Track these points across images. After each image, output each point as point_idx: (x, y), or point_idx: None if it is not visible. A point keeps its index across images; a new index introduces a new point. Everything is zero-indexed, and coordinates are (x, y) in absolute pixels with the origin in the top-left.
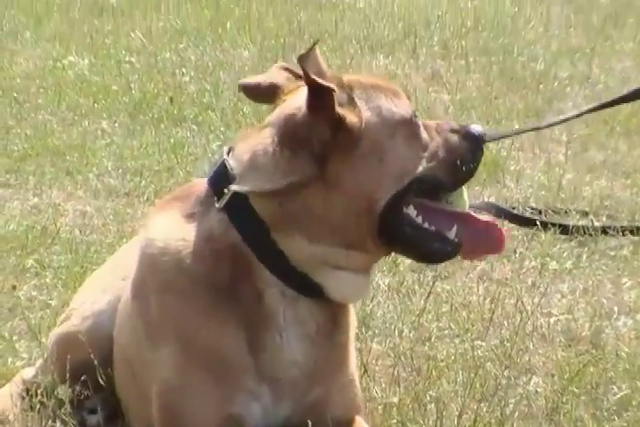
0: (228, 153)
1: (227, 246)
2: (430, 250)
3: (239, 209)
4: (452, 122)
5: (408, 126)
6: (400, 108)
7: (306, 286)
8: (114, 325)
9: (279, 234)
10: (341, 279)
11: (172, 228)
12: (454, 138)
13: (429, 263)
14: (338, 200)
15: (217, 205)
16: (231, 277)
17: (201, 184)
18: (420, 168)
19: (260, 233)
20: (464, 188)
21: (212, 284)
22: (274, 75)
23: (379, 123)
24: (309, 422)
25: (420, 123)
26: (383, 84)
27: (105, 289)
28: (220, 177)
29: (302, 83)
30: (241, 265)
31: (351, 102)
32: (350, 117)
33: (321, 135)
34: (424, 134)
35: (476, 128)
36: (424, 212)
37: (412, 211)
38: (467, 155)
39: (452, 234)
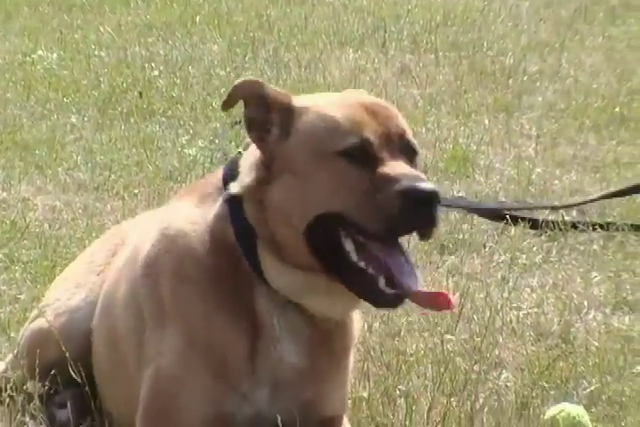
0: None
1: (224, 243)
2: (362, 292)
3: (237, 209)
4: (412, 174)
5: (327, 161)
6: (328, 143)
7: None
8: (90, 320)
9: (260, 244)
10: (312, 299)
11: (189, 211)
12: (392, 189)
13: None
14: (271, 216)
15: (222, 198)
16: (231, 276)
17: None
18: (328, 205)
19: (250, 239)
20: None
21: (219, 277)
22: None
23: (299, 153)
24: (298, 420)
25: (350, 163)
26: (336, 112)
27: (79, 285)
28: (231, 170)
29: None
30: (237, 265)
31: (284, 128)
32: (264, 136)
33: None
34: (356, 174)
35: (420, 188)
36: (362, 249)
37: (349, 246)
38: (395, 211)
39: (381, 283)
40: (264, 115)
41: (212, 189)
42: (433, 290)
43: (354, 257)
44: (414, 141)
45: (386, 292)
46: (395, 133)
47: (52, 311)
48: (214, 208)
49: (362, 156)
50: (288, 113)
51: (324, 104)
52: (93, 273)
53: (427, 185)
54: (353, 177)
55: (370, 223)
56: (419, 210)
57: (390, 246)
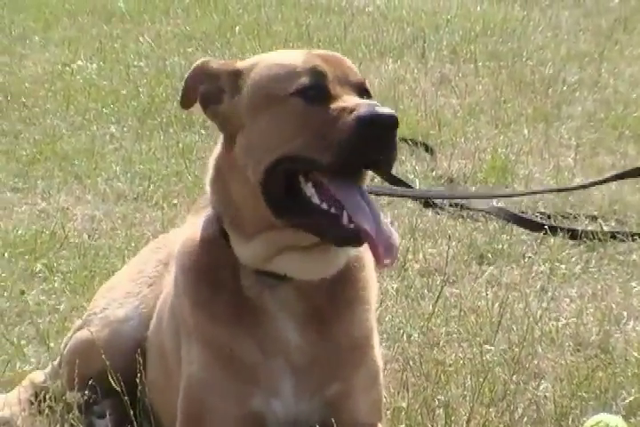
0: None
1: (212, 243)
2: (324, 231)
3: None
4: (369, 102)
5: (281, 105)
6: (280, 86)
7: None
8: (139, 331)
9: (226, 226)
10: (280, 262)
11: (188, 229)
12: (349, 118)
13: (335, 246)
14: (232, 179)
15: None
16: (220, 271)
17: None
18: (285, 147)
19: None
20: None
21: (211, 280)
22: None
23: (253, 104)
24: (333, 421)
25: (305, 101)
26: (286, 60)
27: (129, 295)
28: None
29: None
30: (224, 259)
31: (235, 89)
32: (218, 107)
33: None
34: (311, 111)
35: (377, 111)
36: (324, 192)
37: (309, 189)
38: (348, 136)
39: (344, 219)
40: (215, 86)
41: (205, 201)
42: (387, 238)
43: (315, 200)
44: (368, 85)
45: (347, 227)
46: (348, 74)
47: (99, 321)
48: (204, 216)
49: (316, 94)
50: (236, 74)
51: (272, 57)
52: (144, 284)
53: (384, 109)
54: (308, 115)
55: (324, 156)
56: (375, 134)
57: (348, 186)
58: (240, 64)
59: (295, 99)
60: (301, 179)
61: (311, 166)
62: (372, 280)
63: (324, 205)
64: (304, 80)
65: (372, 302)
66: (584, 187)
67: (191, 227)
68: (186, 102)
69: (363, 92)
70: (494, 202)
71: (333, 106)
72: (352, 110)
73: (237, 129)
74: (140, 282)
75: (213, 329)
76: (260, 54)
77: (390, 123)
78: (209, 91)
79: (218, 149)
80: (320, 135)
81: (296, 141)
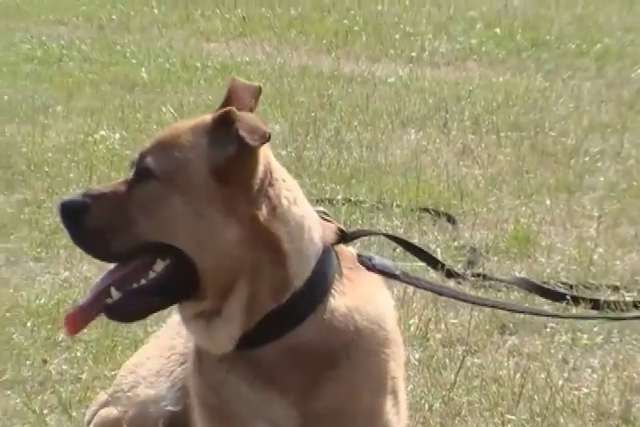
0: None
1: None
2: None
3: None
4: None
5: None
6: None
7: None
8: (168, 412)
9: None
10: (188, 328)
11: None
12: None
13: None
14: None
15: None
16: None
17: None
18: None
19: None
20: None
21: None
22: None
23: None
24: None
25: None
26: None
27: (159, 375)
28: None
29: None
30: None
31: None
32: None
33: None
34: None
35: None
36: None
37: None
38: None
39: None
40: None
41: None
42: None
43: None
44: (147, 161)
45: None
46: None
47: (127, 400)
48: None
49: None
50: None
51: None
52: (176, 362)
53: (66, 198)
54: None
55: None
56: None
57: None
58: None
59: None
60: None
61: None
62: (379, 366)
63: None
64: None
65: (382, 389)
66: None
67: None
68: None
69: (136, 171)
70: (516, 272)
71: None
72: None
73: None
74: (171, 360)
75: (206, 392)
76: None
77: (60, 212)
78: None
79: None
80: None
81: None
